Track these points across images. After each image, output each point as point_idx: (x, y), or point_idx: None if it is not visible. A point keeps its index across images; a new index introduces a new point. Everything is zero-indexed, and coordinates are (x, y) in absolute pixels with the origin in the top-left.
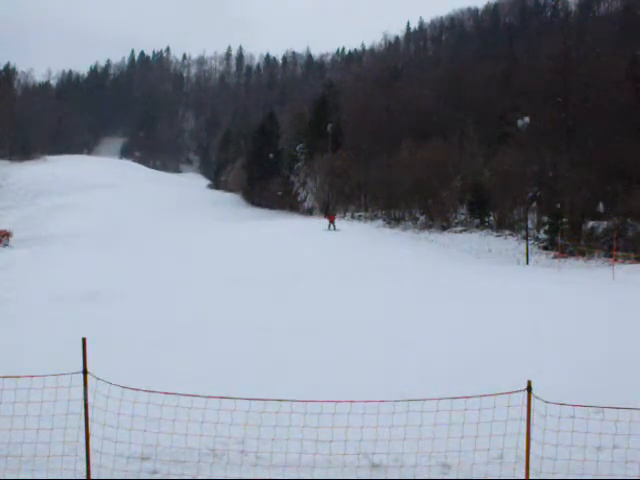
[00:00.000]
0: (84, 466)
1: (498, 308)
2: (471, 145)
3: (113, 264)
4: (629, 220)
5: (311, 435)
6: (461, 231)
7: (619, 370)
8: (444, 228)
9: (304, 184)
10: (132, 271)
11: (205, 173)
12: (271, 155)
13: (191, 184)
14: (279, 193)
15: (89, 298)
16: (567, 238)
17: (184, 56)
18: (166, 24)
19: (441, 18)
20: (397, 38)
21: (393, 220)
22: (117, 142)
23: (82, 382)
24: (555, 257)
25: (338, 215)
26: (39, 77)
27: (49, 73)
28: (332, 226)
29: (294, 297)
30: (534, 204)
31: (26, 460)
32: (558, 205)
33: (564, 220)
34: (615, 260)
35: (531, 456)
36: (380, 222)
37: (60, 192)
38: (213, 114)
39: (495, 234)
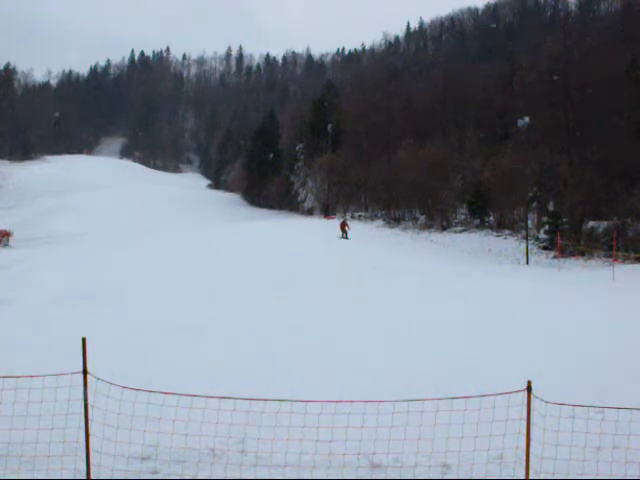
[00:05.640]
0: (84, 466)
1: (498, 308)
2: (471, 145)
3: (113, 264)
4: (629, 220)
5: (311, 435)
6: (461, 231)
7: (619, 370)
8: (444, 228)
9: (304, 184)
10: (132, 271)
11: (205, 173)
12: (271, 155)
13: (191, 184)
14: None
15: (89, 298)
16: (567, 238)
17: (184, 56)
18: (166, 24)
19: (441, 18)
20: (397, 38)
21: (393, 220)
22: (117, 142)
23: (82, 382)
24: (555, 257)
25: (338, 215)
26: (39, 77)
27: (49, 73)
28: (344, 234)
29: (294, 297)
30: (534, 204)
31: (26, 460)
32: (552, 205)
33: (564, 220)
34: (615, 260)
35: (531, 456)
36: (380, 222)
37: (60, 192)
38: (213, 114)
39: (495, 234)
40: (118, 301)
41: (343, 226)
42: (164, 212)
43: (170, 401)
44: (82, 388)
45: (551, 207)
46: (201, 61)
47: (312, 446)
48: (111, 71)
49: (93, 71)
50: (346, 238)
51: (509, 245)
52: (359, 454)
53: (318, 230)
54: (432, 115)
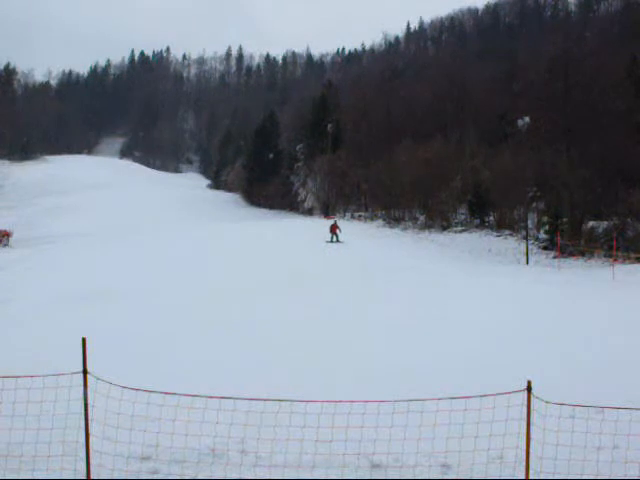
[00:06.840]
0: (84, 466)
1: (498, 308)
2: (471, 145)
3: (113, 264)
4: (629, 220)
5: (311, 435)
6: (461, 231)
7: (619, 370)
8: (444, 228)
9: (304, 184)
10: (132, 271)
11: (205, 173)
12: (271, 155)
13: (191, 184)
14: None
15: (89, 298)
16: (567, 238)
17: (184, 56)
18: (166, 24)
19: (441, 18)
20: (397, 38)
21: (393, 220)
22: (117, 142)
23: (82, 382)
24: (555, 257)
25: (338, 215)
26: (39, 77)
27: (49, 73)
28: (334, 237)
29: (294, 297)
30: (534, 204)
31: (26, 460)
32: (552, 205)
33: (564, 220)
34: (615, 260)
35: (531, 456)
36: (380, 222)
37: (60, 192)
38: (213, 114)
39: (495, 234)
40: (118, 301)
41: (334, 229)
42: (164, 212)
43: (170, 401)
44: (82, 388)
45: (550, 207)
46: (201, 61)
47: (312, 446)
48: (111, 71)
49: (93, 71)
50: (337, 241)
51: (509, 245)
52: (359, 454)
53: (318, 230)
54: (432, 115)
